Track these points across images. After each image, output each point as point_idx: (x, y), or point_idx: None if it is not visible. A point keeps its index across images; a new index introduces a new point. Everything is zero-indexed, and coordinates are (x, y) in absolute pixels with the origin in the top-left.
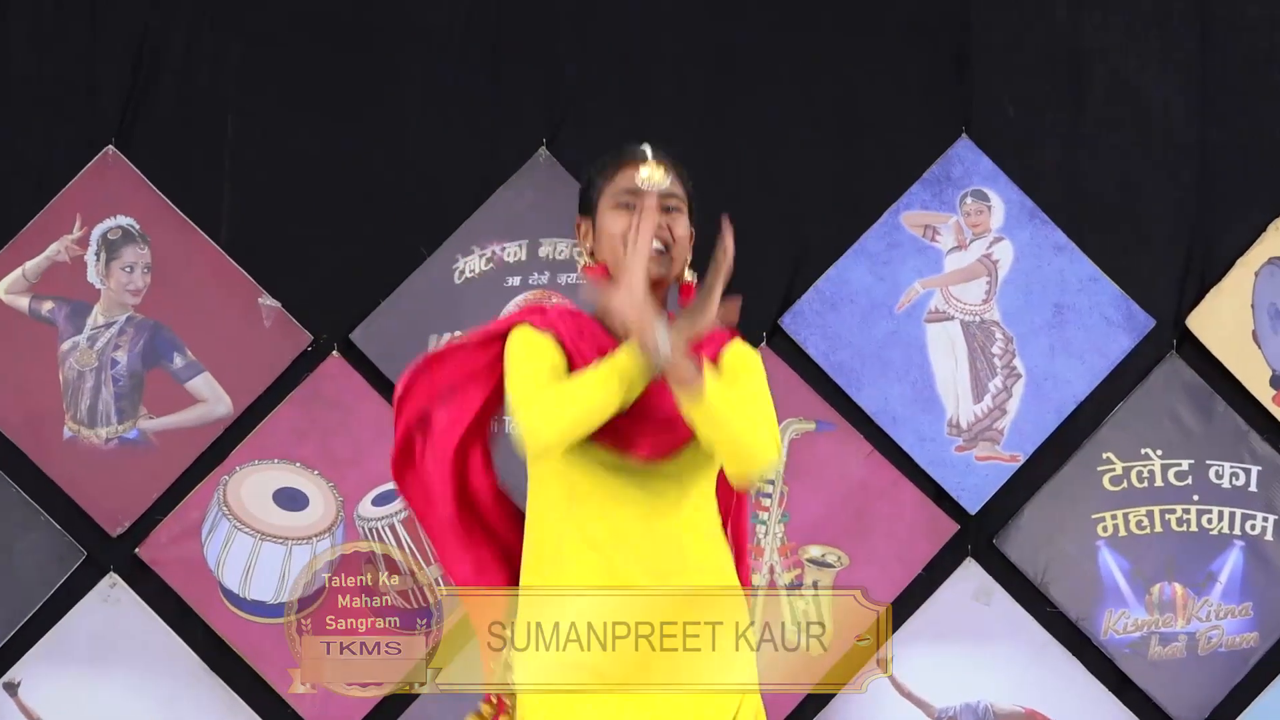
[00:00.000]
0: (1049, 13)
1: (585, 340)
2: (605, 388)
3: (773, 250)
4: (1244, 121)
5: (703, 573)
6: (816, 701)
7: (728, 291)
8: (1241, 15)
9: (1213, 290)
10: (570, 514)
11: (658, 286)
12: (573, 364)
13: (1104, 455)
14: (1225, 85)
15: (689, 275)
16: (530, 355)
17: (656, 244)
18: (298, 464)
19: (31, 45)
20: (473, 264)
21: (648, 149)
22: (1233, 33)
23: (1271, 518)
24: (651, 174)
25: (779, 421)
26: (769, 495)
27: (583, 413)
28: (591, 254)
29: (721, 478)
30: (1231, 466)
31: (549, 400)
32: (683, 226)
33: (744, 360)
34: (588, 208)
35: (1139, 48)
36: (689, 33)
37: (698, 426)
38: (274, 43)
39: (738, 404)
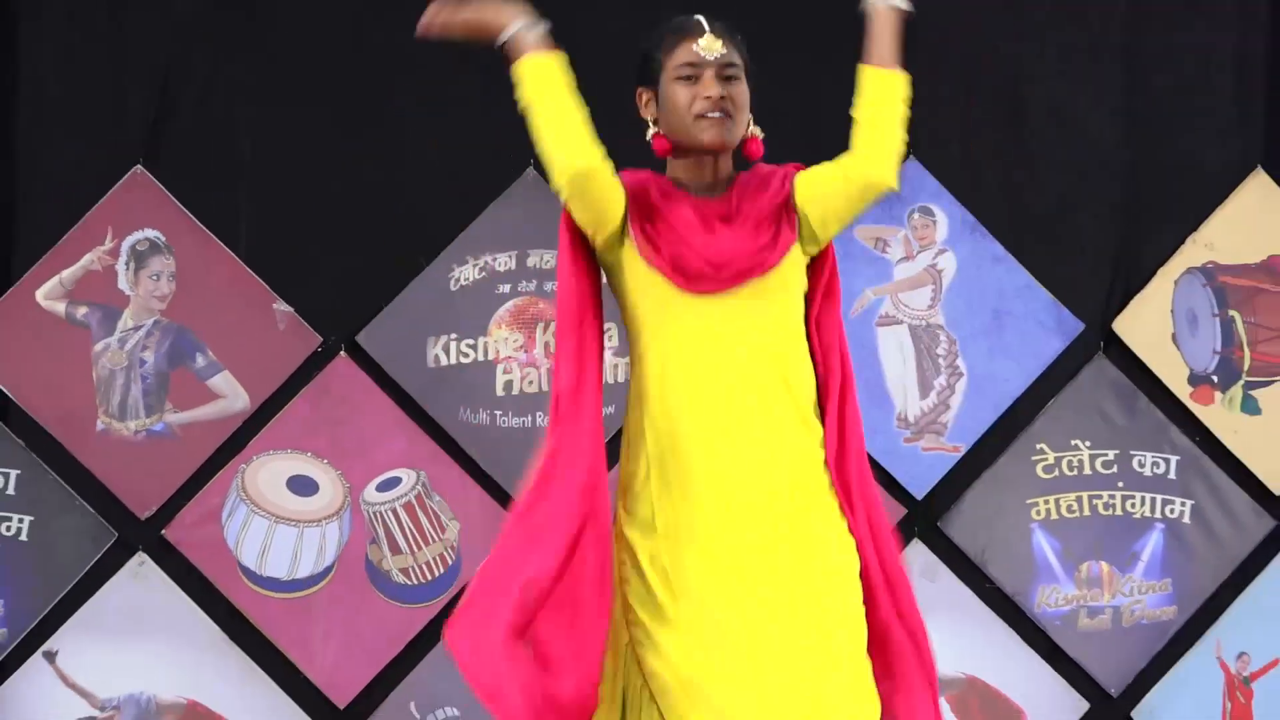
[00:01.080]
0: (990, 45)
1: (654, 191)
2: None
3: None
4: (1166, 144)
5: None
6: None
7: None
8: (1164, 48)
9: (1136, 297)
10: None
11: (723, 150)
12: (638, 210)
13: (1038, 446)
14: (1149, 112)
15: (754, 130)
16: None
17: (716, 112)
18: (309, 454)
19: (66, 74)
20: (467, 273)
21: (704, 20)
22: (1156, 64)
23: (1189, 503)
24: (710, 44)
25: None
26: None
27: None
28: (655, 122)
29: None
30: (1153, 456)
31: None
32: (742, 93)
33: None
34: (649, 79)
35: (1071, 78)
36: None
37: (879, 93)
38: (286, 73)
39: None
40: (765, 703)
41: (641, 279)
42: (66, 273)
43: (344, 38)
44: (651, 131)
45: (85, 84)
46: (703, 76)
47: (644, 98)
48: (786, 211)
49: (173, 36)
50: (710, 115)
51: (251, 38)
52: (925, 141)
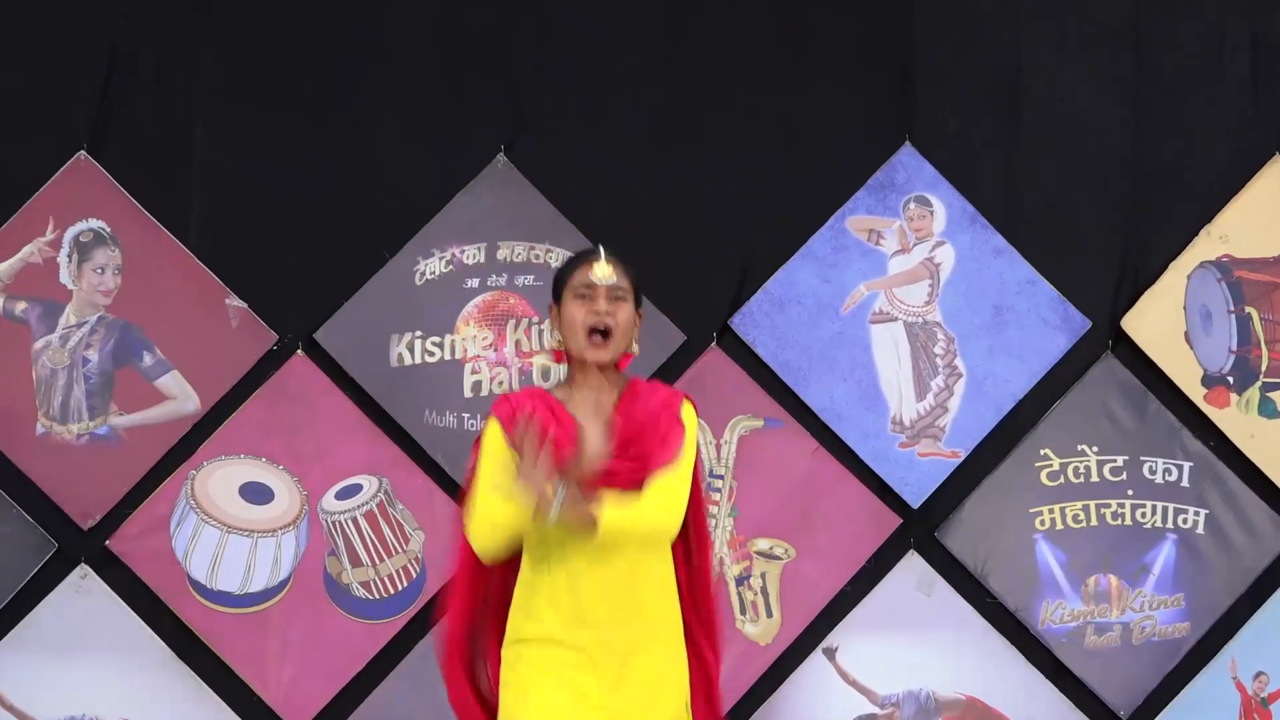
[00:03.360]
0: (987, 29)
1: (545, 414)
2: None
3: (724, 253)
4: (1176, 131)
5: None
6: (764, 687)
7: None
8: (1171, 36)
9: (1146, 293)
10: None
11: (603, 367)
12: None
13: (1042, 452)
14: (1156, 99)
15: (634, 348)
16: (484, 456)
17: (600, 327)
18: (263, 459)
19: (9, 54)
20: (433, 266)
21: (601, 250)
22: (1163, 52)
23: (1203, 512)
24: (602, 271)
25: (728, 418)
26: (719, 490)
27: (502, 531)
28: (557, 336)
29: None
30: (1165, 463)
31: (483, 515)
32: (625, 313)
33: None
34: (557, 296)
35: (1072, 64)
36: (646, 48)
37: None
38: (241, 55)
39: (637, 512)
40: None
41: None
42: (4, 265)
43: (301, 22)
44: (552, 345)
45: (29, 65)
46: (595, 295)
47: (553, 312)
48: (671, 422)
49: (124, 19)
50: (595, 332)
51: (205, 24)
52: (921, 127)
